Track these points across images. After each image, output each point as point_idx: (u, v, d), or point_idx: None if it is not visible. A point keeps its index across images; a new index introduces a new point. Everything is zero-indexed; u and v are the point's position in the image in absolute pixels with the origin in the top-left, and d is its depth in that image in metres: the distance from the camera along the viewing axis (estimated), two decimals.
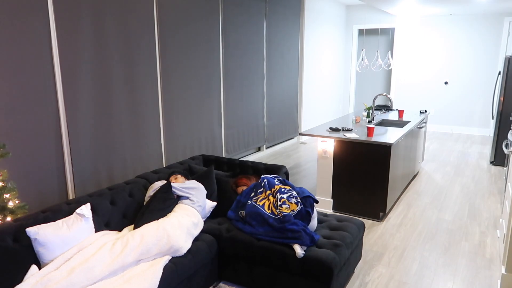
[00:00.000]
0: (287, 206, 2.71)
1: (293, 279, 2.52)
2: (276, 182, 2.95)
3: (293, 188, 2.90)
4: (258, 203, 2.81)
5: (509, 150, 3.20)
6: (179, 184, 2.93)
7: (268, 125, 6.50)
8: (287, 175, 3.53)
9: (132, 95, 3.82)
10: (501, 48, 7.85)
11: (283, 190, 2.85)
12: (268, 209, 2.76)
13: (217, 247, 2.74)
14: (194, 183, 2.98)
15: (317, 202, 2.84)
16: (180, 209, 2.73)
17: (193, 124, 4.71)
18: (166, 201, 2.74)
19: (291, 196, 2.80)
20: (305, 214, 2.71)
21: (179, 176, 3.13)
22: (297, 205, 2.73)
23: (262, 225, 2.68)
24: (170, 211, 2.71)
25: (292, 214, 2.67)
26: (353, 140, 3.86)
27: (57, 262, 2.20)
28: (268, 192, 2.87)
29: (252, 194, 2.95)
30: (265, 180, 2.97)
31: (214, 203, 3.06)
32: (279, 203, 2.74)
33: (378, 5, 7.05)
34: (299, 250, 2.45)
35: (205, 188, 3.08)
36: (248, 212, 2.78)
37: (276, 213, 2.70)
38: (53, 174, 3.17)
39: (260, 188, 2.94)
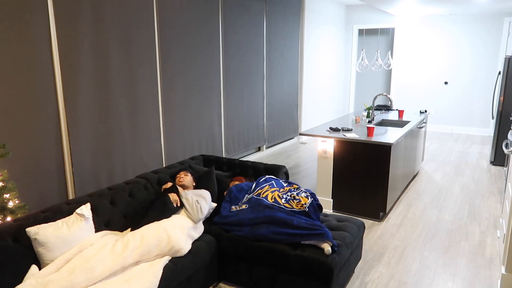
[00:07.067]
0: (298, 200, 2.75)
1: (293, 279, 2.52)
2: (284, 184, 3.01)
3: (299, 187, 3.00)
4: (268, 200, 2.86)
5: (509, 150, 3.20)
6: (194, 192, 2.88)
7: (268, 125, 6.50)
8: (287, 175, 3.53)
9: (132, 95, 3.82)
10: (501, 48, 7.84)
11: (292, 190, 2.94)
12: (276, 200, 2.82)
13: (217, 247, 2.74)
14: (206, 196, 2.91)
15: (321, 209, 2.85)
16: (183, 211, 2.72)
17: (193, 124, 4.71)
18: (167, 205, 2.74)
19: (301, 191, 2.88)
20: (316, 207, 2.77)
21: (189, 174, 3.11)
22: (308, 198, 2.77)
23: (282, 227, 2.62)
24: (172, 214, 2.69)
25: (305, 206, 2.71)
26: (353, 140, 3.86)
27: (57, 263, 2.20)
28: (276, 189, 2.93)
29: (249, 195, 2.98)
30: (272, 181, 3.03)
31: (215, 204, 3.05)
32: (290, 198, 2.81)
33: (378, 5, 7.05)
34: (328, 247, 2.44)
35: (206, 189, 3.08)
36: (265, 215, 2.71)
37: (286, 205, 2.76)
38: (53, 174, 3.17)
39: (265, 185, 2.99)
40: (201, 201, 2.79)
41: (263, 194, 2.88)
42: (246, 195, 2.99)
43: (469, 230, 3.74)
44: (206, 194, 2.92)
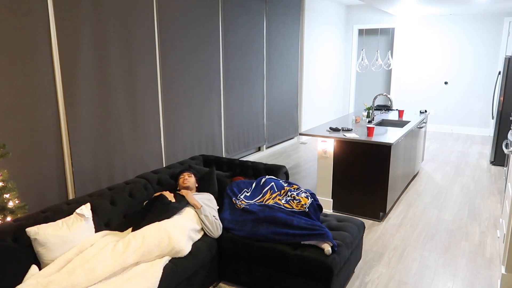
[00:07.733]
0: (298, 200, 2.74)
1: (293, 279, 2.52)
2: (284, 185, 3.00)
3: (300, 187, 3.00)
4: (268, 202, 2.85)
5: (509, 150, 3.20)
6: (200, 197, 2.89)
7: (268, 125, 6.50)
8: (287, 175, 3.53)
9: (132, 95, 3.82)
10: (501, 48, 7.85)
11: (292, 190, 2.94)
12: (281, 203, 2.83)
13: (217, 247, 2.74)
14: (215, 206, 2.90)
15: (321, 209, 2.85)
16: (185, 213, 2.71)
17: (193, 124, 4.71)
18: (166, 204, 2.73)
19: (301, 192, 2.88)
20: (316, 207, 2.77)
21: (192, 175, 3.10)
22: (308, 199, 2.77)
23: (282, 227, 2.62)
24: (173, 213, 2.69)
25: (305, 206, 2.71)
26: (353, 140, 3.86)
27: (57, 263, 2.20)
28: (277, 193, 2.91)
29: (248, 192, 2.98)
30: (272, 183, 3.01)
31: (218, 207, 3.04)
32: (290, 198, 2.81)
33: (378, 5, 7.05)
34: (328, 247, 2.43)
35: (207, 190, 3.07)
36: (263, 216, 2.72)
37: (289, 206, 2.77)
38: (53, 174, 3.17)
39: (265, 188, 2.98)
40: (215, 214, 2.80)
41: (265, 202, 2.89)
42: (245, 193, 2.99)
43: (469, 230, 3.74)
44: (214, 203, 2.92)
